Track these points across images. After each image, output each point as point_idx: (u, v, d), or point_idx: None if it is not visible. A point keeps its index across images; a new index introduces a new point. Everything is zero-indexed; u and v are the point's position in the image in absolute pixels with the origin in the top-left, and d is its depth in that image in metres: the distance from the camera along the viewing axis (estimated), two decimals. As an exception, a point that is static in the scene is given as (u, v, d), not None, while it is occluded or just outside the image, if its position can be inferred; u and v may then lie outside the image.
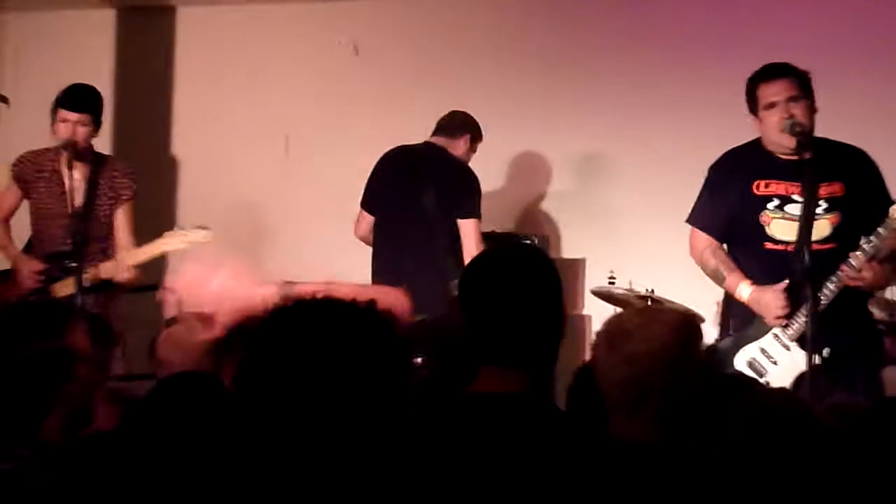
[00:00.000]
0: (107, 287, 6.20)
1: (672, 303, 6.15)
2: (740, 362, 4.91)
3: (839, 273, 4.77)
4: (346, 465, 2.05)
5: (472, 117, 6.58)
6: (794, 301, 4.83)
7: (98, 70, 8.13)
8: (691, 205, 5.23)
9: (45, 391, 3.06)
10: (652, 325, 2.89)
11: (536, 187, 7.72)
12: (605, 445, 2.68)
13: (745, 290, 4.92)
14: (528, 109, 7.75)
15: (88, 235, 6.17)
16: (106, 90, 7.56)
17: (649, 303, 6.26)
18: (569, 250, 7.47)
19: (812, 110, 4.96)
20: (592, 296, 6.70)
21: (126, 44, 8.63)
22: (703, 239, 5.17)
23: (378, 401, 2.05)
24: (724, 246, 5.16)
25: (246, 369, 2.10)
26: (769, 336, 4.89)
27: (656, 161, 7.41)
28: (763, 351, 4.88)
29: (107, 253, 6.28)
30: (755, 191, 5.00)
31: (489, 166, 7.20)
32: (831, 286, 4.78)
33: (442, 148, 6.42)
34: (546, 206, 7.75)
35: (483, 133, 6.58)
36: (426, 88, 7.80)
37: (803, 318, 4.75)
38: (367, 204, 6.41)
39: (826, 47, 6.83)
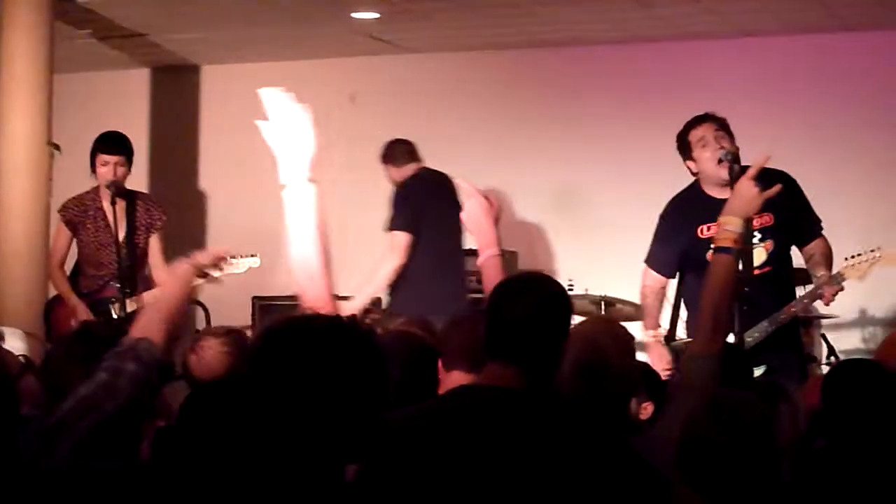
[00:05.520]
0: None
1: (624, 302, 7.05)
2: None
3: (814, 294, 5.19)
4: (337, 460, 2.13)
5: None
6: (745, 321, 5.03)
7: (136, 119, 8.75)
8: (634, 224, 5.93)
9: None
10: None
11: (512, 211, 8.31)
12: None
13: (647, 335, 5.36)
14: (502, 146, 8.45)
15: (134, 261, 6.48)
16: (142, 136, 8.35)
17: (603, 304, 7.25)
18: (537, 263, 8.12)
19: (734, 142, 5.22)
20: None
21: (159, 96, 9.26)
22: (653, 278, 5.50)
23: (360, 401, 2.14)
24: (676, 278, 5.49)
25: (247, 378, 2.18)
26: None
27: (609, 190, 8.25)
28: None
29: (146, 283, 6.51)
30: (700, 235, 5.25)
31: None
32: (793, 309, 5.17)
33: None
34: (520, 225, 8.37)
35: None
36: (415, 130, 8.12)
37: (751, 339, 5.08)
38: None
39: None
